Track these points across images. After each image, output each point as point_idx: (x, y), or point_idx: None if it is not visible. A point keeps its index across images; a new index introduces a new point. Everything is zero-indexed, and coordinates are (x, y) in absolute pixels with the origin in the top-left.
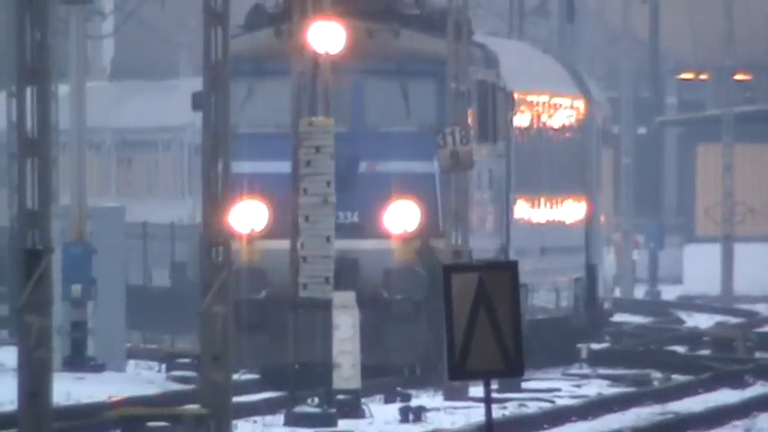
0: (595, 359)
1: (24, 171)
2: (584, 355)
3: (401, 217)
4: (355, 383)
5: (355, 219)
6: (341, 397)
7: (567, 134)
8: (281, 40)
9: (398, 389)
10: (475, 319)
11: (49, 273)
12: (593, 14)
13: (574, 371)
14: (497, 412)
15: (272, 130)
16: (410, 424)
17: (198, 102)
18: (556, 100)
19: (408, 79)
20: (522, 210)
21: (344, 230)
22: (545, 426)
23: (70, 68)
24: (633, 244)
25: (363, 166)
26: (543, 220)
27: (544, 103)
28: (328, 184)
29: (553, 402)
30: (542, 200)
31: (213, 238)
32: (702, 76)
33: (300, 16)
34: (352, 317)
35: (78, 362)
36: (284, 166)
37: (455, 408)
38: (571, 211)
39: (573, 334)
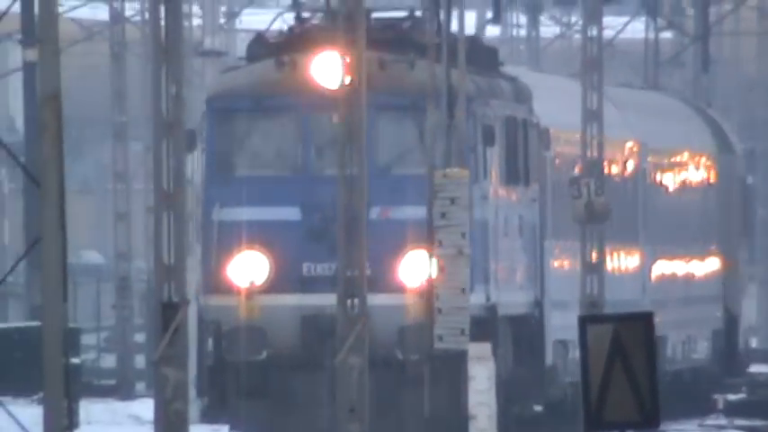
0: (731, 410)
1: (160, 224)
2: (720, 406)
3: (416, 269)
4: None
5: (366, 271)
6: None
7: (616, 177)
8: (283, 72)
9: None
10: (610, 370)
11: (185, 325)
12: (728, 64)
13: (710, 422)
14: None
15: (274, 173)
16: None
17: (192, 142)
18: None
19: (424, 116)
20: (561, 259)
21: None
22: None
23: None
24: None
25: (375, 213)
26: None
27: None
28: (463, 235)
29: None
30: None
31: (349, 288)
32: None
33: (304, 46)
34: (488, 368)
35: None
36: (288, 213)
37: None
38: (628, 261)
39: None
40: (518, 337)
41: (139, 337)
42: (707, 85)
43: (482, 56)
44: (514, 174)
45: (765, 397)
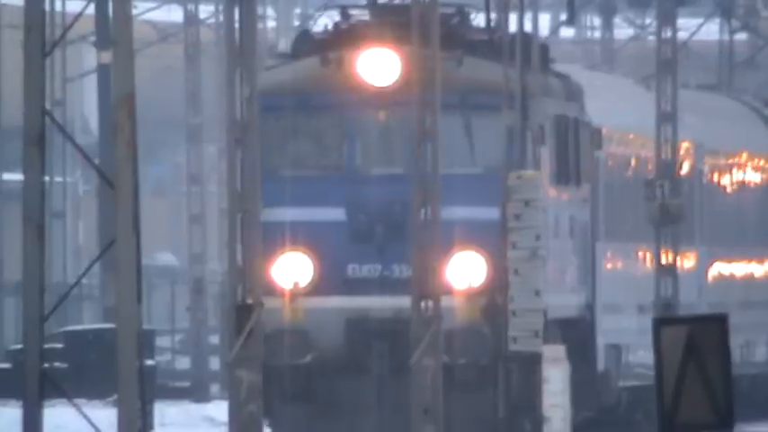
0: None
1: (234, 226)
2: None
3: (464, 270)
4: None
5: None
6: None
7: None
8: (329, 69)
9: None
10: (684, 373)
11: (259, 327)
12: None
13: None
14: None
15: (319, 173)
16: None
17: None
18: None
19: (473, 114)
20: (614, 261)
21: (400, 286)
22: None
23: None
24: None
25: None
26: (641, 273)
27: (643, 143)
28: (537, 237)
29: None
30: (640, 251)
31: (423, 290)
32: None
33: (351, 43)
34: (563, 370)
35: None
36: (332, 213)
37: None
38: (683, 263)
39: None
40: (569, 340)
41: (214, 339)
42: None
43: (532, 53)
44: (565, 173)
45: None
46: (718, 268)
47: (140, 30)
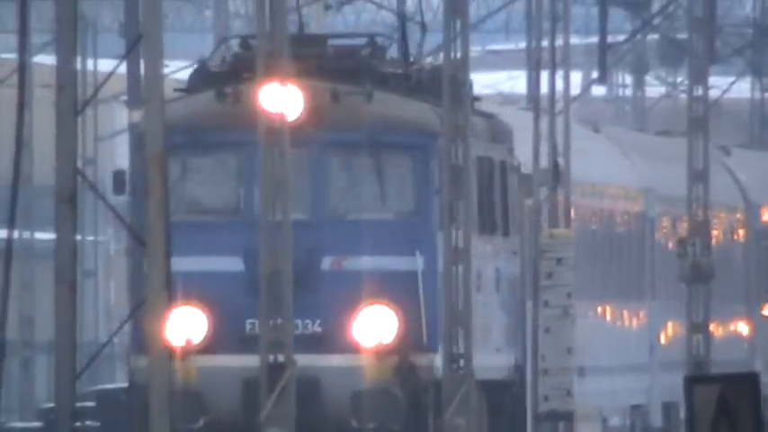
0: None
1: (266, 284)
2: None
3: (374, 326)
4: None
5: (317, 328)
6: None
7: (622, 228)
8: (225, 104)
9: None
10: (717, 431)
11: (291, 385)
12: None
13: None
14: None
15: (214, 218)
16: None
17: (120, 185)
18: (603, 188)
19: (384, 153)
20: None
21: (303, 343)
22: None
23: None
24: None
25: (327, 263)
26: (582, 333)
27: (583, 190)
28: (569, 295)
29: None
30: (581, 308)
31: (455, 349)
32: None
33: (250, 76)
34: (594, 428)
35: None
36: (228, 263)
37: None
38: (631, 321)
39: None
40: (495, 405)
41: None
42: None
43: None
44: (489, 222)
45: None
46: (673, 326)
47: (172, 88)
